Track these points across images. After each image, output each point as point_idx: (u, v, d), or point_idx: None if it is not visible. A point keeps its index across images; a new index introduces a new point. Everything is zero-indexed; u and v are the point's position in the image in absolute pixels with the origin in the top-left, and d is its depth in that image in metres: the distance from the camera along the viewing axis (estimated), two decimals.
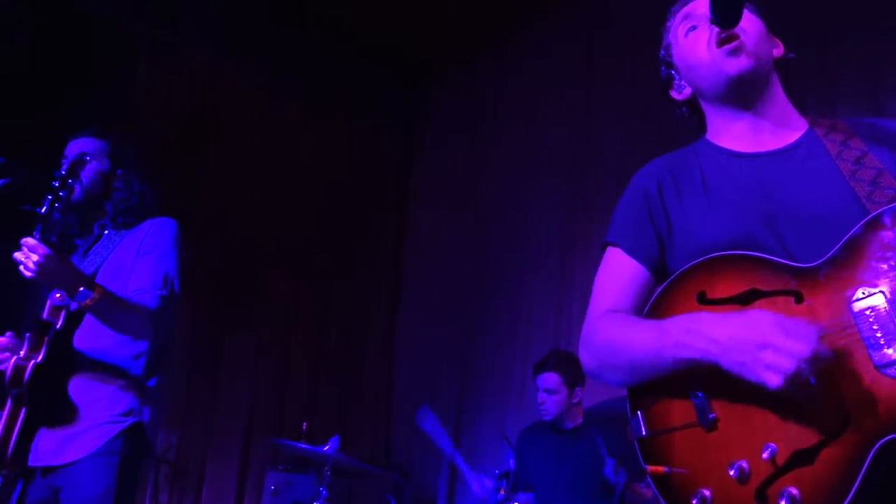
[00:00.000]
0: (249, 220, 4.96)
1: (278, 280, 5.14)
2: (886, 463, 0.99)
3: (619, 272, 1.37)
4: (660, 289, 1.27)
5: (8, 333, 2.17)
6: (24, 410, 2.05)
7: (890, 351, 1.01)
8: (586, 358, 1.35)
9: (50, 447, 2.08)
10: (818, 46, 3.59)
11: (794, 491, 1.02)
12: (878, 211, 1.10)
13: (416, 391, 5.40)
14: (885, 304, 1.03)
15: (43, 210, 1.97)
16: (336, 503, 3.39)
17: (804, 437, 1.04)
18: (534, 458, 3.36)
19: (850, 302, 1.06)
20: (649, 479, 1.18)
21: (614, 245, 1.40)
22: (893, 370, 1.00)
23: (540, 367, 3.36)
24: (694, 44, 1.37)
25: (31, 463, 2.09)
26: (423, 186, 6.01)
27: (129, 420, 2.12)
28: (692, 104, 1.46)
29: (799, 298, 1.11)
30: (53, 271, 1.94)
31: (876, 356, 1.02)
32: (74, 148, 2.33)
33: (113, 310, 2.03)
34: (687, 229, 1.31)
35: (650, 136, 4.28)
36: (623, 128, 4.54)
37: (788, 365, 1.00)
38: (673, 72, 1.47)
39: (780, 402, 1.06)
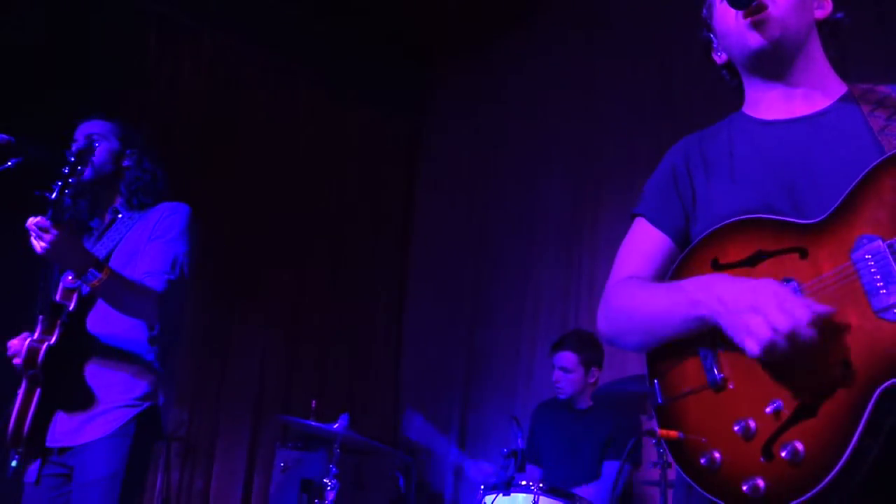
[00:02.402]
0: (259, 203, 4.98)
1: (287, 260, 5.17)
2: (888, 411, 0.98)
3: (643, 241, 1.40)
4: (678, 259, 1.29)
5: (23, 335, 2.17)
6: (38, 391, 2.09)
7: (886, 294, 1.00)
8: (602, 322, 1.36)
9: (66, 428, 2.11)
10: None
11: (798, 444, 1.02)
12: (881, 158, 1.09)
13: (424, 371, 5.45)
14: (884, 250, 1.02)
15: (53, 196, 1.97)
16: (345, 480, 3.44)
17: (807, 390, 1.04)
18: (545, 435, 3.39)
19: (849, 250, 1.06)
20: (663, 442, 1.19)
21: (640, 215, 1.42)
22: (891, 314, 1.00)
23: (558, 346, 3.37)
24: (725, 11, 1.33)
25: (48, 443, 2.13)
26: (430, 170, 6.01)
27: (145, 404, 2.15)
28: (732, 69, 1.44)
29: (804, 254, 1.12)
30: (62, 251, 1.95)
31: (875, 301, 1.02)
32: (84, 130, 2.33)
33: (119, 291, 2.04)
34: (709, 201, 1.33)
35: (657, 121, 4.26)
36: (629, 113, 4.53)
37: (765, 334, 1.02)
38: (712, 35, 1.44)
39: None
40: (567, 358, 3.31)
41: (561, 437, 3.31)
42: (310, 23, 5.39)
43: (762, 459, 1.05)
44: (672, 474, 2.56)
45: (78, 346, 2.13)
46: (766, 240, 1.16)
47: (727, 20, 1.33)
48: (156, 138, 4.51)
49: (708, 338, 1.16)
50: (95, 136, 2.27)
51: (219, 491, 4.64)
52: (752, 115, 1.38)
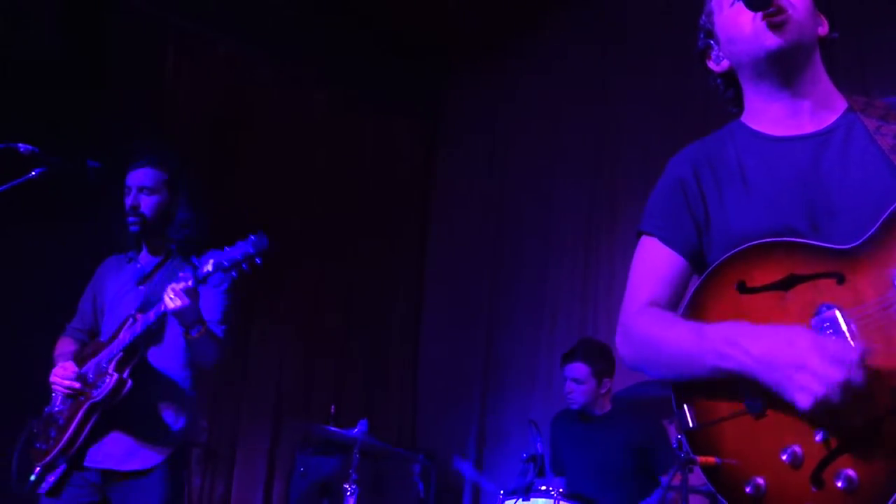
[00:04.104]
0: (275, 210, 5.00)
1: (304, 267, 5.19)
2: None
3: (656, 262, 1.36)
4: (698, 282, 1.26)
5: (66, 364, 2.41)
6: (94, 418, 2.31)
7: None
8: (626, 350, 1.34)
9: (114, 452, 2.33)
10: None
11: (851, 472, 1.02)
12: None
13: (441, 376, 5.45)
14: None
15: (204, 271, 2.20)
16: (364, 485, 3.44)
17: (855, 418, 1.03)
18: (564, 444, 3.38)
19: (893, 278, 1.05)
20: (699, 471, 1.17)
21: (650, 234, 1.38)
22: None
23: (568, 357, 3.35)
24: (737, 15, 1.31)
25: (94, 464, 2.33)
26: (446, 175, 6.02)
27: (183, 438, 2.41)
28: (728, 78, 1.41)
29: (841, 280, 1.10)
30: (186, 312, 2.23)
31: None
32: (135, 179, 2.51)
33: (206, 342, 2.33)
34: (724, 220, 1.29)
35: (672, 125, 4.24)
36: (644, 117, 4.51)
37: (819, 389, 1.00)
38: (712, 41, 1.42)
39: None
40: (578, 369, 3.28)
41: (582, 446, 3.29)
42: (324, 30, 5.43)
43: (813, 488, 1.04)
44: (693, 479, 2.54)
45: (141, 379, 2.35)
46: (797, 264, 1.14)
47: (740, 24, 1.31)
48: (172, 146, 4.57)
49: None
50: (146, 188, 2.49)
51: (240, 496, 4.67)
52: (755, 127, 1.35)
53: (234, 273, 2.21)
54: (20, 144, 2.11)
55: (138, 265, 2.59)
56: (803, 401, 1.02)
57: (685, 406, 1.21)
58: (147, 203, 2.49)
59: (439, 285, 5.79)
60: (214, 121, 4.86)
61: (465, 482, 4.82)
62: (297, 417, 4.68)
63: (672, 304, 1.32)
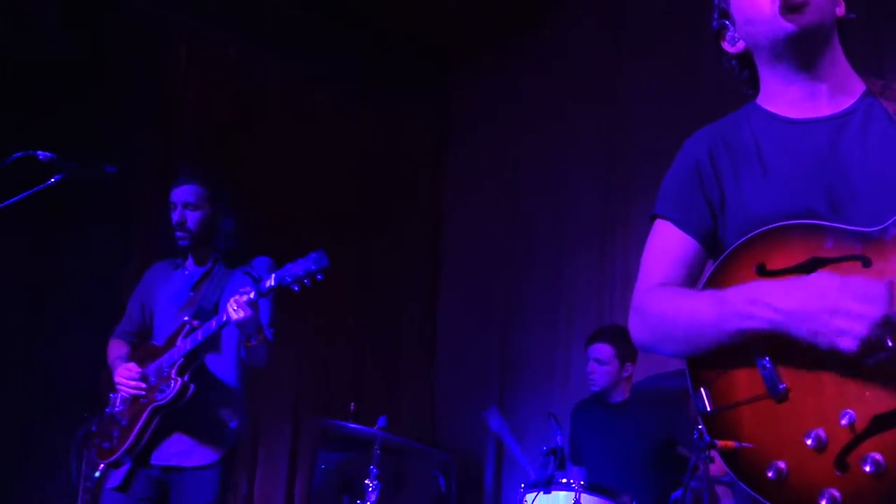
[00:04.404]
0: (288, 210, 5.03)
1: None
2: None
3: (669, 245, 1.34)
4: (716, 264, 1.24)
5: (129, 365, 2.59)
6: (157, 419, 2.48)
7: None
8: (638, 330, 1.32)
9: (178, 450, 2.52)
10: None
11: (878, 456, 1.01)
12: None
13: (459, 371, 5.46)
14: None
15: (267, 285, 2.36)
16: (386, 481, 3.47)
17: (883, 400, 1.02)
18: (584, 433, 3.38)
19: None
20: (717, 455, 1.16)
21: (664, 218, 1.36)
22: None
23: (593, 338, 3.37)
24: None
25: (159, 462, 2.53)
26: (458, 172, 6.02)
27: (236, 435, 2.61)
28: (743, 59, 1.38)
29: (867, 263, 1.08)
30: (248, 323, 2.40)
31: None
32: (179, 196, 2.70)
33: (261, 347, 2.52)
34: (741, 202, 1.28)
35: (684, 116, 4.21)
36: (656, 109, 4.49)
37: (861, 328, 0.99)
38: (727, 22, 1.38)
39: (852, 367, 1.04)
40: (602, 350, 3.29)
41: (601, 435, 3.30)
42: (329, 30, 5.43)
43: (837, 472, 1.03)
44: (714, 469, 2.53)
45: (200, 383, 2.53)
46: (820, 246, 1.12)
47: (758, 4, 1.28)
48: (183, 147, 4.61)
49: (761, 345, 1.12)
50: (191, 204, 2.67)
51: (262, 492, 4.71)
52: (771, 109, 1.33)
53: (295, 287, 2.35)
54: (39, 152, 2.15)
55: (186, 272, 2.77)
56: (848, 344, 1.00)
57: (702, 389, 1.18)
58: (192, 218, 2.68)
59: (454, 281, 5.79)
60: (221, 121, 4.88)
61: (485, 476, 4.83)
62: (316, 415, 4.70)
63: (686, 286, 1.30)
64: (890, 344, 1.00)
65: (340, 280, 5.35)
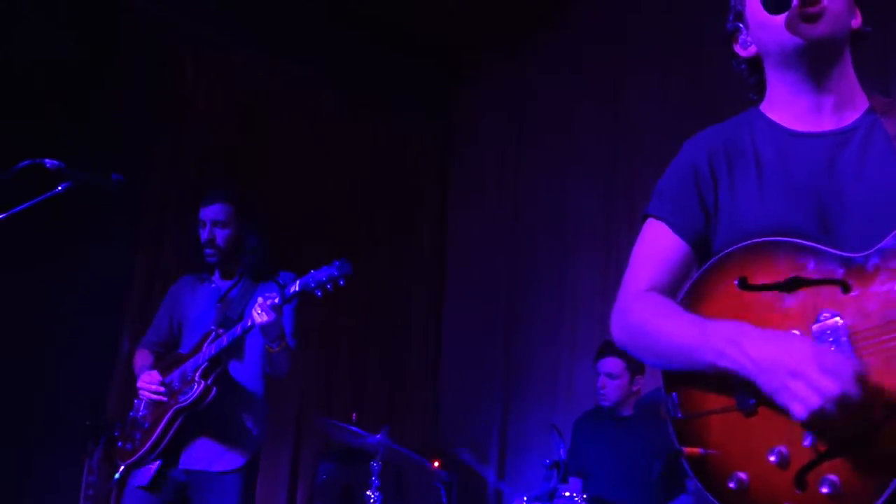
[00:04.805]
0: (291, 214, 5.02)
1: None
2: None
3: (660, 247, 1.34)
4: (699, 272, 1.24)
5: (151, 371, 2.66)
6: (179, 421, 2.54)
7: None
8: (619, 332, 1.33)
9: (204, 455, 2.58)
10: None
11: (835, 478, 1.03)
12: None
13: (462, 382, 5.44)
14: None
15: (292, 290, 2.45)
16: (387, 492, 3.45)
17: (848, 430, 1.04)
18: (588, 444, 3.36)
19: None
20: (684, 461, 1.18)
21: (657, 218, 1.35)
22: None
23: (602, 352, 3.34)
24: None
25: (186, 466, 2.58)
26: (462, 176, 6.02)
27: (259, 442, 2.66)
28: (753, 64, 1.36)
29: (846, 289, 1.09)
30: (271, 327, 2.46)
31: None
32: (209, 214, 2.81)
33: (283, 354, 2.59)
34: (734, 210, 1.28)
35: (688, 119, 4.21)
36: (660, 113, 4.48)
37: (815, 401, 1.00)
38: (741, 24, 1.36)
39: None
40: (613, 364, 3.27)
41: (606, 447, 3.27)
42: (337, 36, 5.44)
43: (796, 489, 1.06)
44: None
45: (223, 388, 2.59)
46: (803, 266, 1.13)
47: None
48: (188, 152, 4.62)
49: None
50: (220, 223, 2.78)
51: (264, 501, 4.69)
52: (774, 119, 1.32)
53: (318, 293, 2.43)
54: (46, 160, 2.15)
55: (213, 285, 2.87)
56: (798, 411, 1.02)
57: (674, 394, 1.21)
58: (221, 235, 2.78)
59: (458, 288, 5.78)
60: (226, 127, 4.88)
61: (488, 488, 4.81)
62: (318, 425, 4.69)
63: (671, 290, 1.31)
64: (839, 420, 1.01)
65: (344, 287, 5.35)
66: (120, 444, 2.70)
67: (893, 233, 1.09)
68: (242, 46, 5.07)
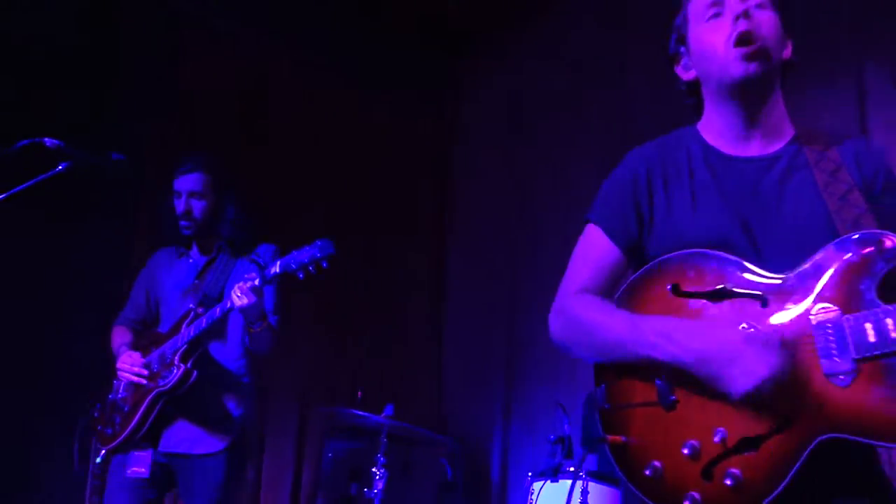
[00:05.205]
0: (292, 199, 5.02)
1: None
2: (822, 456, 1.11)
3: (596, 251, 1.45)
4: (635, 276, 1.35)
5: (130, 353, 2.58)
6: (159, 405, 2.47)
7: (839, 361, 1.14)
8: (556, 330, 1.43)
9: (184, 437, 2.52)
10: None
11: (737, 472, 1.15)
12: (847, 236, 1.21)
13: (466, 359, 5.45)
14: (841, 322, 1.15)
15: (273, 272, 2.33)
16: (393, 469, 3.47)
17: (753, 426, 1.16)
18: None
19: (809, 314, 1.18)
20: (606, 448, 1.29)
21: (595, 223, 1.47)
22: (839, 379, 1.13)
23: None
24: (713, 33, 1.36)
25: (166, 449, 2.52)
26: (466, 161, 5.99)
27: (243, 423, 2.58)
28: (693, 87, 1.48)
29: (764, 303, 1.21)
30: (252, 309, 2.38)
31: (826, 365, 1.14)
32: (185, 184, 2.67)
33: (266, 333, 2.50)
34: (668, 220, 1.37)
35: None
36: (664, 100, 4.41)
37: (750, 382, 1.13)
38: (683, 48, 1.48)
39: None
40: None
41: None
42: (339, 22, 5.39)
43: (702, 479, 1.18)
44: None
45: (203, 370, 2.51)
46: (731, 279, 1.25)
47: (714, 44, 1.35)
48: (192, 140, 4.59)
49: (662, 369, 1.24)
50: (197, 193, 2.64)
51: (270, 480, 4.73)
52: (709, 140, 1.43)
53: (300, 275, 2.31)
54: (46, 139, 2.13)
55: (190, 260, 2.75)
56: (736, 392, 1.14)
57: (602, 385, 1.32)
58: (197, 207, 2.66)
59: (461, 268, 5.78)
60: (229, 113, 4.86)
61: (492, 464, 4.84)
62: (323, 402, 4.71)
63: (605, 292, 1.41)
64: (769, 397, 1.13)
65: (347, 268, 5.34)
66: (100, 427, 2.62)
67: (810, 260, 1.21)
68: (244, 32, 5.02)
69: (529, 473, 2.99)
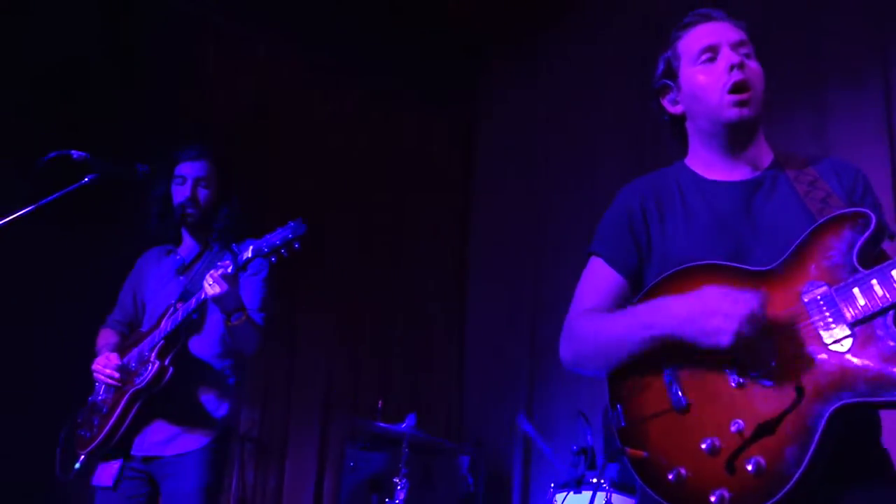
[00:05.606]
0: (316, 203, 5.03)
1: (346, 262, 5.21)
2: (837, 427, 1.15)
3: (599, 280, 1.53)
4: (637, 297, 1.43)
5: (107, 354, 2.44)
6: (137, 405, 2.35)
7: (837, 330, 1.20)
8: (565, 351, 1.50)
9: (157, 440, 2.37)
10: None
11: (760, 458, 1.17)
12: (822, 220, 1.31)
13: (488, 368, 5.43)
14: (831, 293, 1.23)
15: (244, 257, 2.21)
16: (414, 479, 3.46)
17: (766, 411, 1.20)
18: None
19: (801, 294, 1.25)
20: (627, 462, 1.32)
21: (597, 255, 1.55)
22: (840, 345, 1.19)
23: None
24: (707, 76, 1.45)
25: (139, 452, 2.38)
26: (486, 163, 5.98)
27: (225, 423, 2.43)
28: (677, 120, 1.56)
29: (756, 289, 1.27)
30: (226, 298, 2.24)
31: (826, 335, 1.21)
32: (192, 170, 2.56)
33: (246, 328, 2.34)
34: (665, 247, 1.46)
35: None
36: None
37: (732, 326, 1.19)
38: (671, 83, 1.55)
39: (744, 384, 1.24)
40: None
41: None
42: (356, 23, 5.42)
43: (726, 473, 1.20)
44: None
45: (182, 367, 2.39)
46: (716, 279, 1.31)
47: (708, 88, 1.44)
48: (213, 142, 4.63)
49: (668, 363, 1.30)
50: (202, 179, 2.55)
51: (292, 489, 4.74)
52: (697, 171, 1.53)
53: (273, 258, 2.20)
54: (73, 151, 2.15)
55: (178, 257, 2.64)
56: (723, 339, 1.20)
57: (619, 406, 1.36)
58: (203, 195, 2.55)
59: (483, 276, 5.76)
60: (254, 117, 4.90)
61: (513, 474, 4.81)
62: (344, 411, 4.72)
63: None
64: (753, 336, 1.20)
65: (369, 276, 5.37)
66: (80, 431, 2.48)
67: (791, 248, 1.30)
68: (265, 38, 5.07)
69: (552, 484, 2.96)
